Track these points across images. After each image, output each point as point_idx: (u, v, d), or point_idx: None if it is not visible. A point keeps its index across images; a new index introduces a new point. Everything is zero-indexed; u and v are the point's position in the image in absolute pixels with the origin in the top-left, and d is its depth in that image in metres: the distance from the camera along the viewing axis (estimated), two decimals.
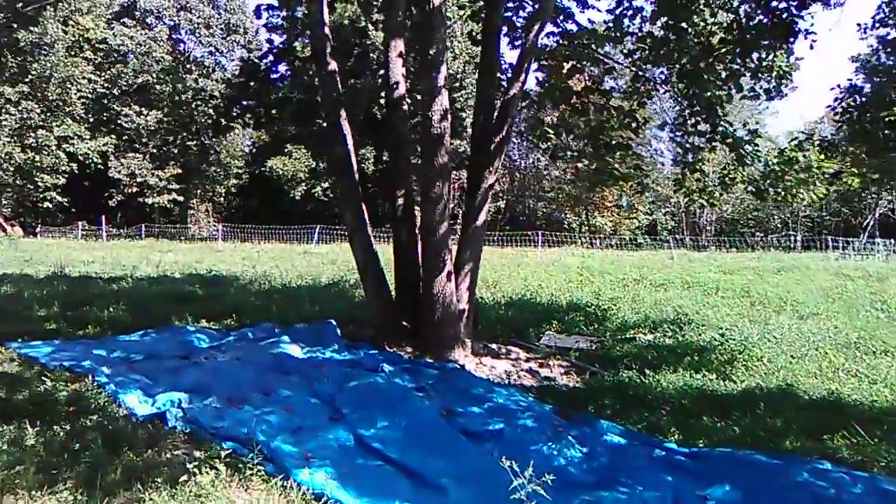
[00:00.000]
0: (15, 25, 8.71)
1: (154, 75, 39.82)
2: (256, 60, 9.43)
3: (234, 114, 9.63)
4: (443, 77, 7.21)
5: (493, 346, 8.57)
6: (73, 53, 37.18)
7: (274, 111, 9.77)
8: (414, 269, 8.41)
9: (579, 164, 9.30)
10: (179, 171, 40.61)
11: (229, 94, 9.13)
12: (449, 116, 7.35)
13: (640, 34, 9.11)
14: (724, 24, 8.47)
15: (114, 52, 39.01)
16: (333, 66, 7.93)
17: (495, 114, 8.05)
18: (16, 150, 34.32)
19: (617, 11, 9.22)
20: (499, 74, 8.78)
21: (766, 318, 11.21)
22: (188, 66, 41.96)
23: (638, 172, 8.80)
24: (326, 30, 7.81)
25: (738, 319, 11.01)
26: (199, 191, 46.19)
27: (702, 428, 5.59)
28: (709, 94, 8.40)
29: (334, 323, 8.63)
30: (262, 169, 50.97)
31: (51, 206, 37.59)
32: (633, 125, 9.38)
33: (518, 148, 51.85)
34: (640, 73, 9.15)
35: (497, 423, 5.28)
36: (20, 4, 8.49)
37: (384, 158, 37.82)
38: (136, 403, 5.46)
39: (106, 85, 38.85)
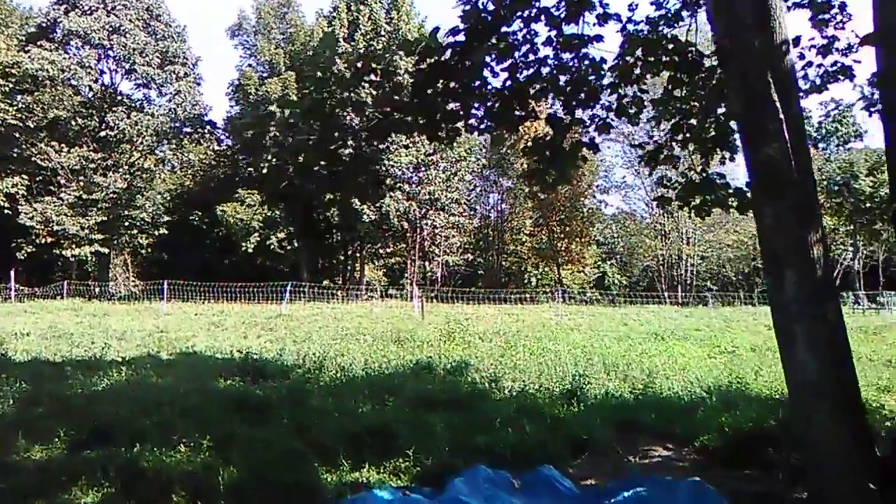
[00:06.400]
0: None
1: (76, 106, 34.11)
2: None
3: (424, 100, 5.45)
4: None
5: None
6: None
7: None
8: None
9: None
10: (104, 217, 34.50)
11: (422, 73, 5.12)
12: None
13: None
14: None
15: (29, 79, 33.02)
16: None
17: None
18: None
19: None
20: None
21: None
22: (117, 97, 36.48)
23: None
24: None
25: None
26: (119, 241, 39.67)
27: None
28: None
29: (698, 480, 4.63)
30: (191, 217, 45.15)
31: None
32: None
33: (482, 190, 48.72)
34: None
35: None
36: None
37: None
38: None
39: (18, 116, 32.70)
